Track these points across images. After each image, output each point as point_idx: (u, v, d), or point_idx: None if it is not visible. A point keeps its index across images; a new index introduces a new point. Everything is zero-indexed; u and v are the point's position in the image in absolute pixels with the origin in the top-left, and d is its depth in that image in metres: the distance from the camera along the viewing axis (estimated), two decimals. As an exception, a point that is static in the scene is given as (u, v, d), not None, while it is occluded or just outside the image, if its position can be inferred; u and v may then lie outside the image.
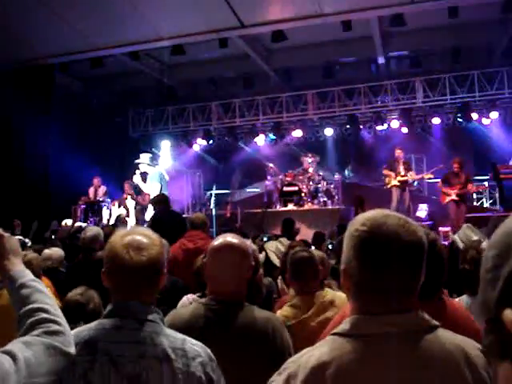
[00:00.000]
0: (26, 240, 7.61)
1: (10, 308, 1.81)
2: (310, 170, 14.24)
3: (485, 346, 0.86)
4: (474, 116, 15.19)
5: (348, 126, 16.43)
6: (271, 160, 15.64)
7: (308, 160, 14.42)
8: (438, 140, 16.59)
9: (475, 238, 5.37)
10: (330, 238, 7.99)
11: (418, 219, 12.77)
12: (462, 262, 3.60)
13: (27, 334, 1.67)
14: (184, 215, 11.04)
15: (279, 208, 13.84)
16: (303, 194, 13.72)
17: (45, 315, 1.72)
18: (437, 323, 1.43)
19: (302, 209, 13.37)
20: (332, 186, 14.25)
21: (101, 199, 13.71)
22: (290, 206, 13.56)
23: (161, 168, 12.09)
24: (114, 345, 1.80)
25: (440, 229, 11.32)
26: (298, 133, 16.75)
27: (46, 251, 5.87)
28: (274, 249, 5.71)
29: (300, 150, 16.62)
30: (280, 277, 4.72)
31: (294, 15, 11.46)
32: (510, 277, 0.81)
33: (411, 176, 12.71)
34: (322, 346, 1.43)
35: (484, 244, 5.16)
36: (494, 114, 15.05)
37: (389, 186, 12.68)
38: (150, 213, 11.13)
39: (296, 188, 13.78)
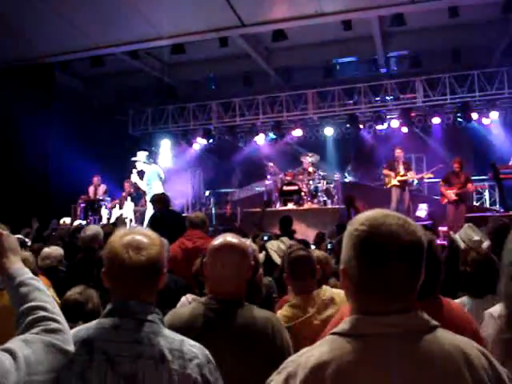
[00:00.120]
0: (26, 239, 7.60)
1: (12, 308, 1.81)
2: (310, 169, 14.24)
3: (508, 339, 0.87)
4: (474, 116, 15.21)
5: (348, 126, 16.43)
6: (271, 159, 15.65)
7: (308, 159, 14.42)
8: (438, 140, 16.59)
9: (476, 237, 5.36)
10: (329, 237, 7.97)
11: (418, 219, 12.78)
12: (463, 264, 3.59)
13: (26, 332, 1.68)
14: (184, 214, 11.03)
15: (279, 207, 13.84)
16: (303, 194, 13.73)
17: (44, 313, 1.72)
18: (436, 323, 1.43)
19: (301, 208, 13.37)
20: (332, 186, 14.26)
21: (101, 198, 13.73)
22: (290, 206, 13.56)
23: (157, 166, 12.07)
24: (112, 344, 1.80)
25: (440, 228, 11.33)
26: (297, 132, 16.77)
27: (46, 250, 5.85)
28: (276, 248, 5.70)
29: (300, 150, 16.61)
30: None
31: (295, 14, 11.47)
32: None
33: (411, 176, 12.71)
34: (322, 346, 1.43)
35: (485, 244, 5.16)
36: (494, 114, 15.07)
37: (388, 186, 12.67)
38: (148, 213, 11.14)
39: (296, 187, 13.78)
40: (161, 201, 7.66)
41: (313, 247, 7.28)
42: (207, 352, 1.90)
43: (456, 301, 2.92)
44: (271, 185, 15.03)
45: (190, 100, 17.41)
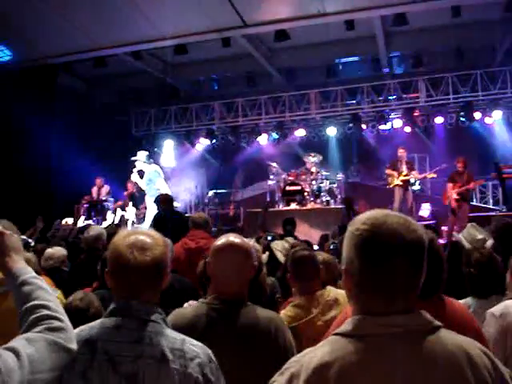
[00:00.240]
0: (30, 240, 7.61)
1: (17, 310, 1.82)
2: (313, 169, 14.25)
3: None
4: (477, 115, 15.18)
5: (351, 126, 16.39)
6: (274, 159, 15.63)
7: (311, 159, 14.42)
8: (441, 139, 16.55)
9: (480, 236, 5.37)
10: (332, 238, 7.96)
11: (421, 219, 12.78)
12: (467, 265, 3.58)
13: (29, 330, 1.68)
14: (187, 214, 11.04)
15: (282, 207, 13.84)
16: (306, 194, 13.73)
17: (46, 312, 1.73)
18: (439, 324, 1.43)
19: (304, 208, 13.37)
20: (335, 186, 14.25)
21: (104, 198, 13.74)
22: (293, 206, 13.56)
23: (156, 165, 12.09)
24: (114, 344, 1.81)
25: (443, 228, 11.32)
26: (300, 132, 16.76)
27: (49, 250, 5.85)
28: (281, 248, 5.72)
29: (303, 150, 16.60)
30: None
31: (297, 14, 11.48)
32: None
33: (414, 175, 12.69)
34: (324, 347, 1.43)
35: (488, 243, 5.16)
36: (497, 114, 15.03)
37: (391, 186, 12.66)
38: (149, 213, 11.16)
39: (299, 187, 13.78)
40: (165, 201, 7.68)
41: (316, 248, 7.31)
42: (209, 351, 1.90)
43: (460, 301, 2.91)
44: (274, 185, 15.03)
45: (192, 100, 17.42)
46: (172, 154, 17.91)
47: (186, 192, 16.71)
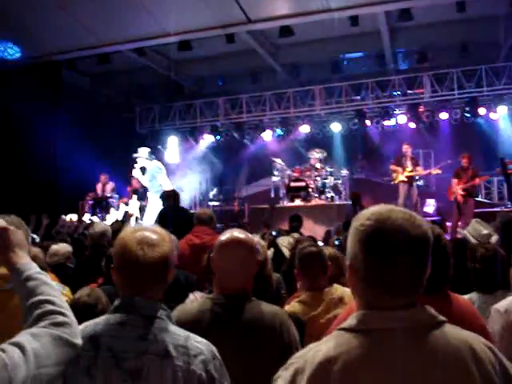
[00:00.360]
0: (35, 236, 7.62)
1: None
2: (318, 165, 14.23)
3: None
4: (482, 111, 15.12)
5: (355, 122, 16.36)
6: (278, 155, 15.62)
7: (315, 155, 14.41)
8: (446, 135, 16.50)
9: (485, 232, 5.37)
10: (336, 234, 7.96)
11: (426, 214, 12.76)
12: (472, 260, 3.58)
13: (34, 325, 1.69)
14: (191, 211, 11.04)
15: (286, 203, 13.83)
16: (310, 190, 13.72)
17: (51, 307, 1.73)
18: (443, 319, 1.43)
19: (309, 204, 13.36)
20: (339, 182, 14.24)
21: (108, 195, 13.76)
22: (297, 202, 13.56)
23: (157, 162, 12.08)
24: (118, 340, 1.81)
25: (448, 224, 11.29)
26: (305, 128, 16.73)
27: (54, 247, 5.84)
28: (286, 243, 5.73)
29: (307, 146, 16.58)
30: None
31: (301, 10, 11.46)
32: None
33: (419, 171, 12.67)
34: (329, 341, 1.43)
35: (493, 238, 5.15)
36: (502, 109, 14.97)
37: (396, 182, 12.65)
38: (150, 208, 11.16)
39: (303, 183, 13.77)
40: (170, 197, 7.69)
41: (320, 244, 7.30)
42: (213, 348, 1.90)
43: (464, 296, 2.91)
44: (278, 181, 15.03)
45: (196, 97, 17.41)
46: (176, 151, 17.90)
47: (190, 188, 16.72)
